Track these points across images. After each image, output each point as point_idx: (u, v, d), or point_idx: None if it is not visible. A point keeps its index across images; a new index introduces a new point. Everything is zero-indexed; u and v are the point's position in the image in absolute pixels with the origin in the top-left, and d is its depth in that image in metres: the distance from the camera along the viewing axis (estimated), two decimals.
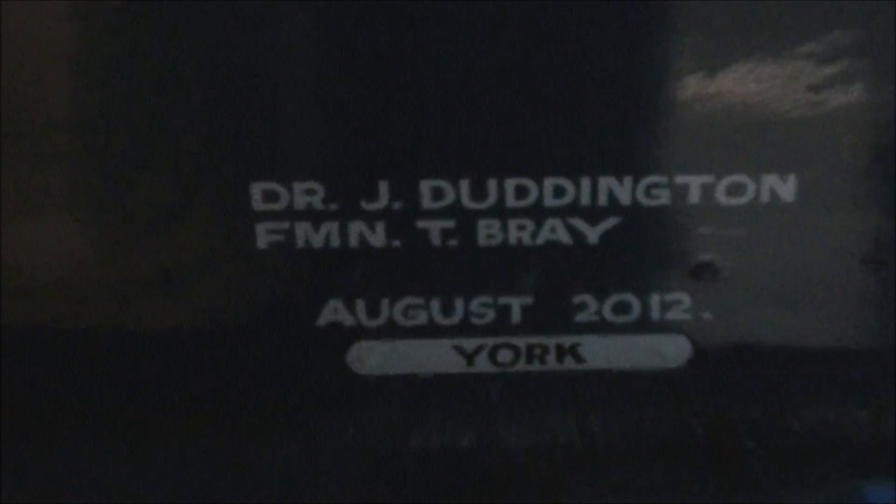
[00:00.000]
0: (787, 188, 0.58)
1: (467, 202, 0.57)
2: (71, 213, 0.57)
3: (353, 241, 0.58)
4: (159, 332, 0.61)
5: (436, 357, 0.63)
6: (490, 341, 0.62)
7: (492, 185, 0.57)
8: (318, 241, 0.58)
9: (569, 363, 0.63)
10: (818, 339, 0.63)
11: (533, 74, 0.55)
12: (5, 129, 0.56)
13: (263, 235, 0.58)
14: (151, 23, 0.54)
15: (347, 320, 0.61)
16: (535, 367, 0.63)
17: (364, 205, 0.57)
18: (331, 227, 0.58)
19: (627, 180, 0.57)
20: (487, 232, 0.58)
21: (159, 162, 0.56)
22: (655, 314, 0.62)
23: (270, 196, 0.57)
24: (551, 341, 0.63)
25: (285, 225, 0.58)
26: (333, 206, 0.57)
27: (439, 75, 0.55)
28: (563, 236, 0.59)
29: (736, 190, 0.58)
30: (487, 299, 0.61)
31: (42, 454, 0.64)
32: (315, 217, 0.58)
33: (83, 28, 0.54)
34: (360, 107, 0.56)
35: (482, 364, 0.63)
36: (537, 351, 0.63)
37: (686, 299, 0.61)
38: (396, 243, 0.58)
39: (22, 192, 0.57)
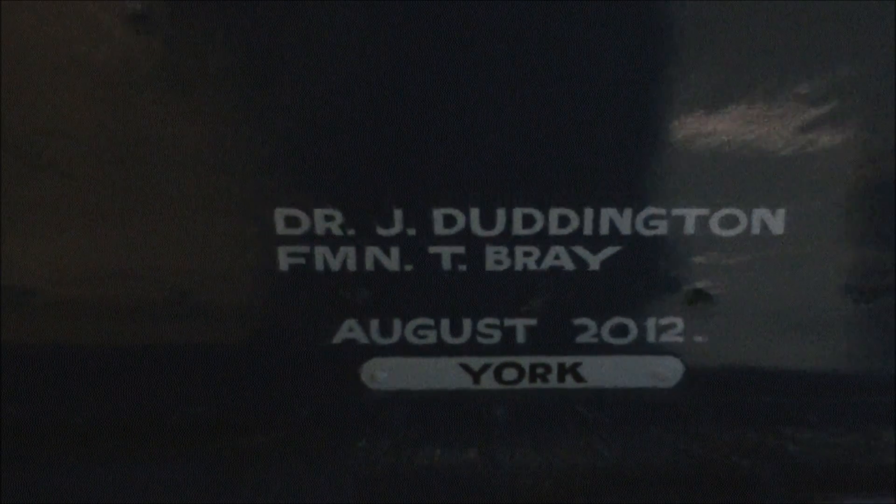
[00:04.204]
0: (776, 221, 0.57)
1: (477, 230, 0.57)
2: (105, 234, 0.56)
3: (369, 265, 0.58)
4: (184, 346, 0.60)
5: (444, 374, 0.62)
6: (496, 360, 0.62)
7: (500, 213, 0.57)
8: (335, 264, 0.58)
9: (570, 382, 0.62)
10: (805, 362, 0.62)
11: (540, 112, 0.54)
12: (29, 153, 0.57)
13: (285, 258, 0.57)
14: (186, 60, 0.53)
15: (362, 339, 0.60)
16: (538, 385, 0.63)
17: (380, 231, 0.57)
18: (348, 251, 0.57)
19: (627, 211, 0.57)
20: (495, 258, 0.58)
21: (190, 189, 0.56)
22: (651, 337, 0.61)
23: (292, 221, 0.56)
24: (553, 361, 0.62)
25: (305, 248, 0.57)
26: (351, 232, 0.57)
27: (453, 111, 0.54)
28: (567, 263, 0.58)
29: (729, 222, 0.57)
30: (494, 321, 0.60)
31: (83, 460, 0.64)
32: (333, 241, 0.57)
33: (112, 55, 0.53)
34: (378, 140, 0.55)
35: (488, 381, 0.62)
36: (540, 370, 0.62)
37: (680, 323, 0.61)
38: (409, 267, 0.58)
39: (56, 216, 0.56)
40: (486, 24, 0.53)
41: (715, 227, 0.58)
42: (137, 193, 0.56)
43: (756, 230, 0.58)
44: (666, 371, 0.62)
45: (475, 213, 0.57)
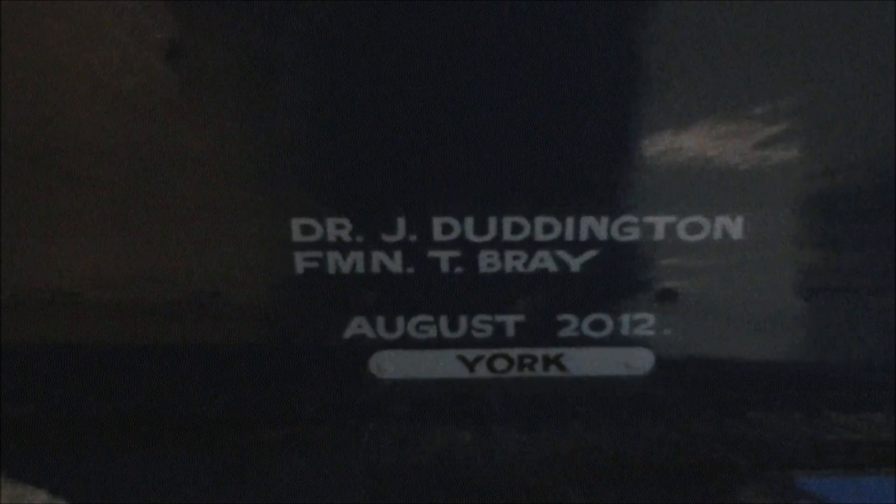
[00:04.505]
0: (736, 227, 0.62)
1: (471, 236, 0.62)
2: (141, 242, 0.61)
3: (375, 268, 0.62)
4: (209, 343, 0.65)
5: (443, 365, 0.67)
6: (488, 352, 0.66)
7: (492, 221, 0.62)
8: (346, 267, 0.62)
9: (553, 371, 0.67)
10: (762, 352, 0.67)
11: (527, 134, 0.59)
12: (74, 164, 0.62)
13: (300, 262, 0.62)
14: (211, 86, 0.58)
15: (370, 334, 0.65)
16: (526, 373, 0.67)
17: (385, 237, 0.62)
18: (357, 256, 0.62)
19: (604, 219, 0.62)
20: (488, 261, 0.63)
21: (217, 202, 0.60)
22: (625, 331, 0.66)
23: (307, 230, 0.61)
24: (539, 352, 0.67)
25: (319, 254, 0.62)
26: (359, 238, 0.61)
27: (451, 133, 0.59)
28: (551, 265, 0.63)
29: (694, 228, 0.62)
30: (487, 317, 0.65)
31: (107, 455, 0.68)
32: (344, 247, 0.62)
33: (142, 81, 0.57)
34: (383, 158, 0.60)
35: (481, 371, 0.67)
36: (527, 360, 0.67)
37: (651, 318, 0.65)
38: (411, 270, 0.62)
39: (96, 226, 0.60)
40: (482, 64, 0.57)
41: (682, 232, 0.62)
42: (170, 206, 0.60)
43: (718, 235, 0.63)
44: (638, 361, 0.67)
45: (469, 221, 0.62)
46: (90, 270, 0.62)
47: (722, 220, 0.62)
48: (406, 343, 0.66)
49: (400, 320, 0.65)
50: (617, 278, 0.65)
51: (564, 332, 0.66)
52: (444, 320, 0.65)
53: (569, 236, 0.63)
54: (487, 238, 0.62)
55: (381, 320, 0.65)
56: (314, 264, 0.62)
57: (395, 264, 0.63)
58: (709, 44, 0.57)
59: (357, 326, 0.65)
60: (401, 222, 0.62)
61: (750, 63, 0.58)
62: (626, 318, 0.66)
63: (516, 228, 0.62)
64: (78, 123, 0.57)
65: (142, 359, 0.65)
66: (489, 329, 0.66)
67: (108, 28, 0.56)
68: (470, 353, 0.67)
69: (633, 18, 0.58)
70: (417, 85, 0.58)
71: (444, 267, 0.63)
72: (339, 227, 0.61)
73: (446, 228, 0.62)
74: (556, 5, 0.57)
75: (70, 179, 0.59)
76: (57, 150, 0.58)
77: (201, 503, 0.65)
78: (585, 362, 0.67)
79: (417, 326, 0.65)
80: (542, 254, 0.63)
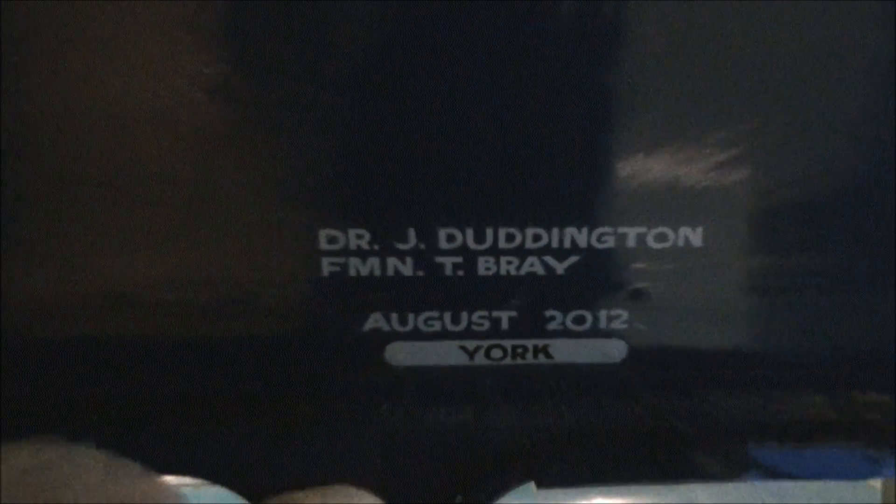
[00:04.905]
0: (696, 236, 0.69)
1: (471, 244, 0.68)
2: (189, 251, 0.67)
3: (390, 271, 0.69)
4: (250, 336, 0.71)
5: (447, 354, 0.73)
6: (486, 343, 0.73)
7: (489, 232, 0.68)
8: (364, 270, 0.69)
9: (541, 358, 0.74)
10: (721, 343, 0.74)
11: (519, 159, 0.66)
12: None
13: (326, 267, 0.68)
14: (254, 119, 0.64)
15: (385, 327, 0.71)
16: (518, 361, 0.74)
17: (398, 245, 0.68)
18: (374, 261, 0.69)
19: (584, 230, 0.68)
20: (485, 266, 0.69)
21: (255, 218, 0.66)
22: (603, 324, 0.72)
23: (332, 239, 0.68)
24: (529, 343, 0.73)
25: (341, 259, 0.68)
26: (376, 247, 0.68)
27: (454, 159, 0.66)
28: (539, 269, 0.70)
29: (661, 237, 0.69)
30: (484, 313, 0.72)
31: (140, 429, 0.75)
32: (363, 254, 0.68)
33: (188, 113, 0.63)
34: (396, 181, 0.66)
35: (480, 359, 0.73)
36: (519, 350, 0.73)
37: (625, 314, 0.72)
38: (420, 273, 0.69)
39: (150, 237, 0.67)
40: (480, 108, 0.64)
41: (650, 241, 0.69)
42: (216, 221, 0.67)
43: (681, 243, 0.69)
44: (614, 350, 0.74)
45: (470, 231, 0.68)
46: (147, 276, 0.68)
47: (684, 231, 0.69)
48: (415, 335, 0.72)
49: (410, 316, 0.71)
50: (595, 280, 0.71)
51: (551, 326, 0.72)
52: (447, 316, 0.72)
53: (554, 244, 0.69)
54: (485, 246, 0.69)
55: (394, 316, 0.71)
56: (338, 268, 0.69)
57: (407, 268, 0.69)
58: (674, 82, 0.64)
59: (374, 321, 0.71)
60: (411, 233, 0.68)
61: (708, 97, 0.64)
62: (603, 314, 0.72)
63: (510, 238, 0.69)
64: (137, 152, 0.64)
65: (192, 349, 0.71)
66: (486, 323, 0.72)
67: (161, 67, 0.61)
68: (470, 344, 0.73)
69: (606, 63, 0.64)
70: (427, 125, 0.65)
71: (448, 271, 0.69)
72: (359, 236, 0.68)
73: (450, 238, 0.68)
74: (543, 53, 0.63)
75: (129, 200, 0.65)
76: (120, 175, 0.64)
77: (251, 465, 0.73)
78: (569, 351, 0.74)
79: (425, 321, 0.72)
80: (532, 259, 0.70)
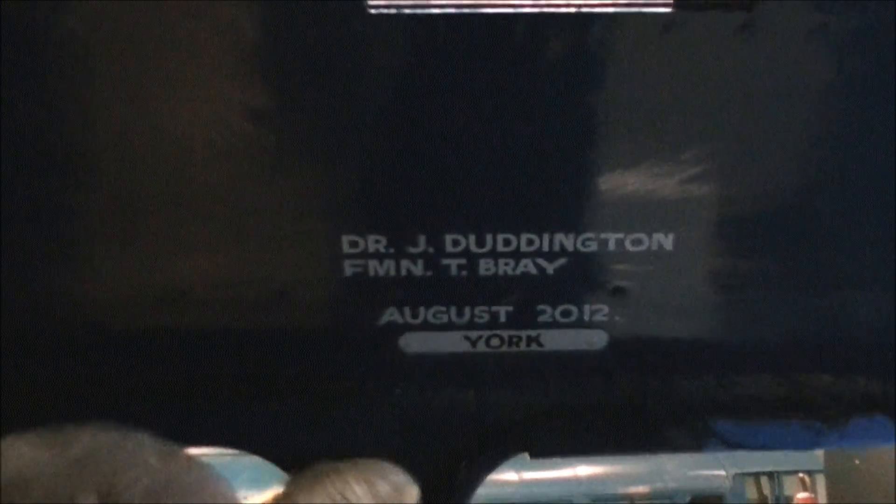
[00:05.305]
0: (668, 241, 0.78)
1: (473, 248, 0.77)
2: (228, 254, 0.76)
3: (403, 272, 0.77)
4: (284, 327, 0.80)
5: (453, 342, 0.82)
6: (486, 333, 0.82)
7: (489, 238, 0.77)
8: (381, 271, 0.77)
9: (534, 346, 0.82)
10: (688, 332, 0.83)
11: (515, 178, 0.75)
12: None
13: (349, 268, 0.76)
14: (290, 143, 0.72)
15: (399, 320, 0.80)
16: (514, 349, 0.82)
17: (410, 249, 0.76)
18: (390, 263, 0.77)
19: (571, 235, 0.77)
20: (485, 267, 0.78)
21: (287, 225, 0.75)
22: (587, 317, 0.81)
23: (353, 243, 0.76)
24: (523, 333, 0.82)
25: (362, 262, 0.76)
26: (391, 251, 0.76)
27: (459, 177, 0.75)
28: (532, 269, 0.78)
29: (637, 242, 0.77)
30: (485, 307, 0.80)
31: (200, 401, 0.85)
32: (380, 257, 0.76)
33: (231, 137, 0.71)
34: (409, 194, 0.75)
35: (481, 347, 0.82)
36: (515, 339, 0.82)
37: (605, 308, 0.81)
38: (430, 273, 0.77)
39: (198, 242, 0.75)
40: (482, 137, 0.73)
41: (628, 245, 0.78)
42: (256, 230, 0.75)
43: (655, 247, 0.78)
44: (596, 339, 0.83)
45: (472, 237, 0.77)
46: (196, 276, 0.77)
47: (657, 236, 0.78)
48: (426, 326, 0.81)
49: (421, 310, 0.80)
50: (580, 279, 0.80)
51: (542, 318, 0.82)
52: (453, 310, 0.81)
53: (545, 248, 0.78)
54: (485, 249, 0.77)
55: (407, 310, 0.80)
56: (359, 269, 0.77)
57: (418, 269, 0.78)
58: (646, 114, 0.73)
59: (390, 314, 0.80)
60: (422, 238, 0.77)
61: (675, 124, 0.74)
62: (587, 308, 0.82)
63: (506, 242, 0.77)
64: (194, 174, 0.73)
65: (237, 338, 0.80)
66: (486, 316, 0.81)
67: (215, 102, 0.70)
68: (472, 334, 0.82)
69: (588, 101, 0.74)
70: (436, 148, 0.75)
71: (454, 271, 0.78)
72: (377, 241, 0.76)
73: (455, 243, 0.77)
74: (535, 97, 0.73)
75: (188, 214, 0.74)
76: (181, 194, 0.73)
77: (286, 439, 0.83)
78: (557, 340, 0.83)
79: (434, 314, 0.81)
80: (526, 261, 0.78)
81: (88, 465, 0.52)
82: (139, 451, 0.55)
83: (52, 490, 0.51)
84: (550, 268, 0.80)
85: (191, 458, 0.57)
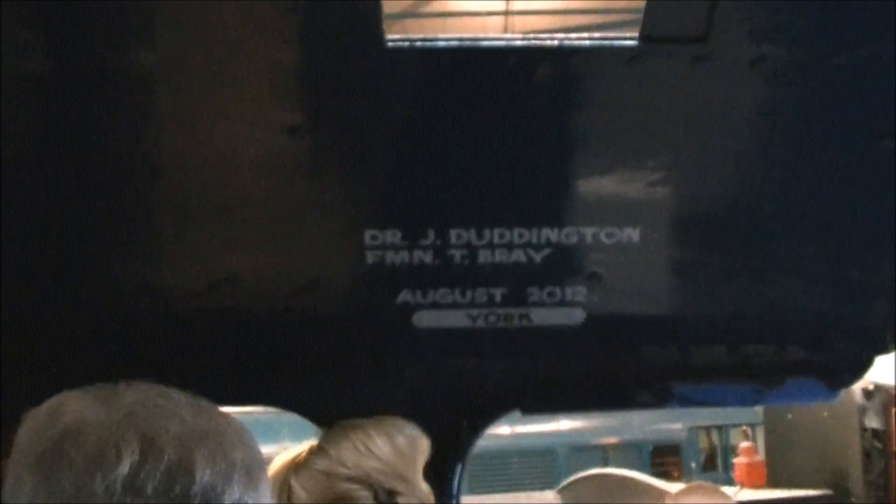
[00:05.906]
0: (636, 234, 0.89)
1: (474, 240, 0.88)
2: (262, 250, 0.87)
3: (416, 260, 0.88)
4: (314, 310, 0.91)
5: (457, 319, 0.93)
6: (485, 311, 0.93)
7: (487, 231, 0.88)
8: (398, 260, 0.88)
9: (525, 322, 0.94)
10: (653, 310, 0.96)
11: (508, 183, 0.86)
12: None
13: (369, 258, 0.87)
14: (320, 156, 0.84)
15: (412, 300, 0.91)
16: (508, 324, 0.93)
17: (421, 242, 0.87)
18: (404, 253, 0.88)
19: (555, 229, 0.88)
20: (483, 256, 0.89)
21: (316, 224, 0.86)
22: (568, 297, 0.92)
23: (373, 237, 0.86)
24: (516, 311, 0.93)
25: (381, 252, 0.87)
26: (406, 242, 0.87)
27: (462, 182, 0.86)
28: (522, 258, 0.89)
29: (611, 234, 0.89)
30: (483, 289, 0.91)
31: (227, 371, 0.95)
32: (396, 248, 0.87)
33: (266, 151, 0.82)
34: (420, 196, 0.86)
35: (480, 323, 0.93)
36: (508, 316, 0.93)
37: (583, 290, 0.92)
38: (438, 261, 0.88)
39: (236, 243, 0.86)
40: (481, 150, 0.84)
41: (602, 237, 0.89)
42: (288, 226, 0.86)
43: (625, 240, 0.90)
44: (575, 315, 0.95)
45: (473, 231, 0.88)
46: (242, 266, 0.88)
47: (628, 230, 0.90)
48: (434, 306, 0.92)
49: (430, 292, 0.91)
50: (563, 266, 0.91)
51: (531, 299, 0.93)
52: (457, 292, 0.92)
53: (534, 240, 0.90)
54: (484, 242, 0.89)
55: (418, 292, 0.91)
56: (378, 259, 0.88)
57: (427, 258, 0.89)
58: (618, 128, 0.86)
59: (404, 296, 0.92)
60: (431, 232, 0.88)
61: (642, 138, 0.86)
62: (568, 290, 0.93)
63: (501, 236, 0.89)
64: (238, 181, 0.84)
65: (275, 317, 0.92)
66: (485, 297, 0.92)
67: (256, 118, 0.81)
68: (473, 312, 0.93)
69: (567, 124, 0.86)
70: (443, 160, 0.86)
71: (457, 259, 0.89)
72: (393, 235, 0.88)
73: (458, 236, 0.88)
74: (522, 115, 0.84)
75: (234, 216, 0.85)
76: (227, 199, 0.85)
77: (321, 398, 0.95)
78: (543, 316, 0.94)
79: (441, 295, 0.92)
80: (518, 251, 0.90)
81: (132, 418, 0.60)
82: (175, 406, 0.62)
83: (101, 438, 0.58)
84: (538, 256, 0.92)
85: (220, 412, 0.64)
